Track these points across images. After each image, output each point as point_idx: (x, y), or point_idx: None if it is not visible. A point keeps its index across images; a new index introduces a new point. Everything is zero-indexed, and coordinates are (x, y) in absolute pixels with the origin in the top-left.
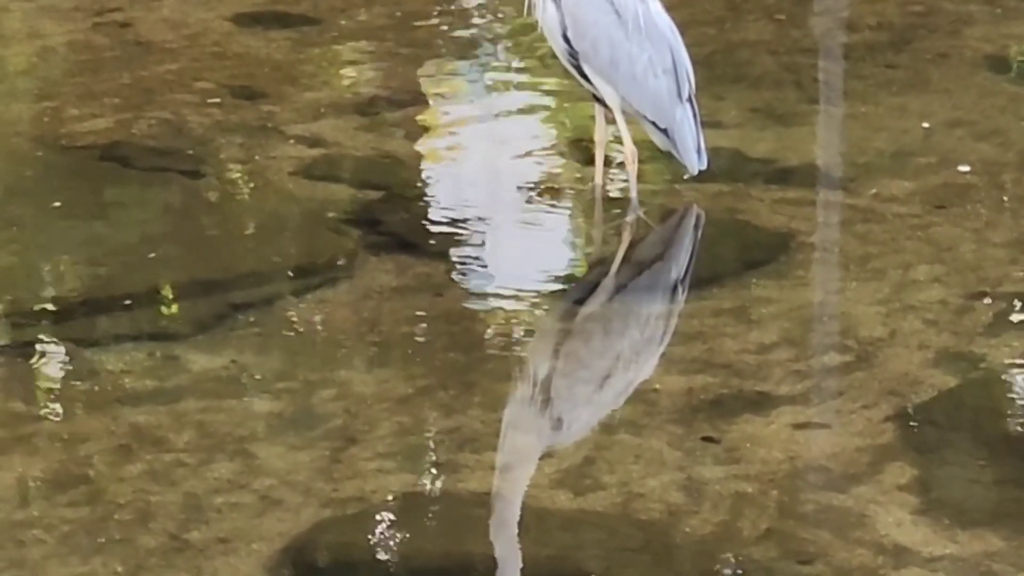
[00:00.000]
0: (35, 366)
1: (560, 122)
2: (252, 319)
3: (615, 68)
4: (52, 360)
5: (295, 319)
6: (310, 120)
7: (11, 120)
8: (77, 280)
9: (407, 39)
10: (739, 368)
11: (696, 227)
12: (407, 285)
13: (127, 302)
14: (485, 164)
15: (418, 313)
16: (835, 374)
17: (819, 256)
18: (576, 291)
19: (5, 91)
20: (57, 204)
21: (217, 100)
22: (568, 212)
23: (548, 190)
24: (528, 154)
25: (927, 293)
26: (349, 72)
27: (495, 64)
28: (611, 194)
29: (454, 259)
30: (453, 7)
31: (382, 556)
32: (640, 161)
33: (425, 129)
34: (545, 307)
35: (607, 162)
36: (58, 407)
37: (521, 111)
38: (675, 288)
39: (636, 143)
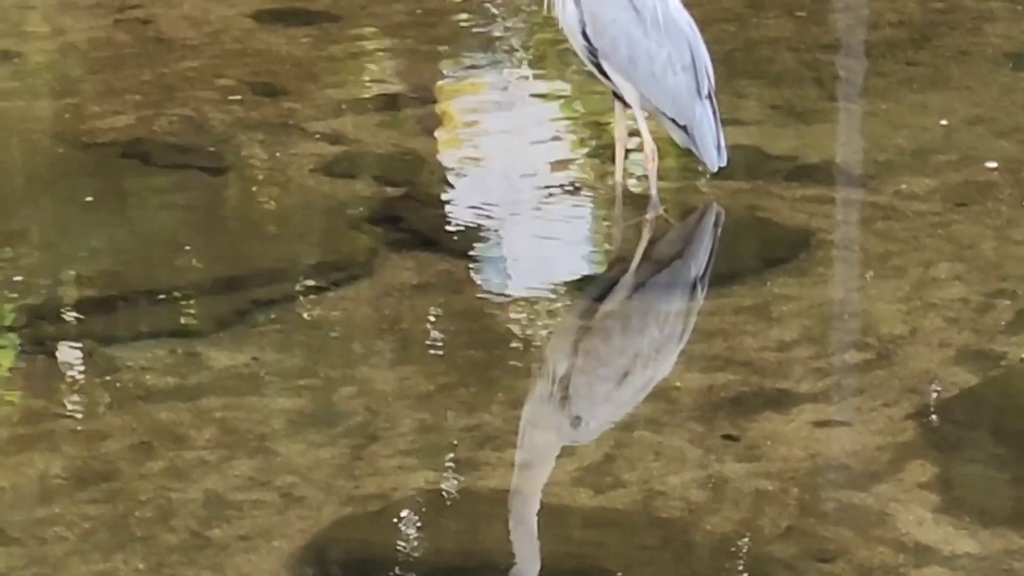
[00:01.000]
0: (56, 363)
1: (580, 119)
2: (273, 316)
3: (634, 65)
4: (73, 357)
5: (316, 316)
6: (331, 117)
7: (33, 117)
8: (98, 277)
9: (428, 36)
10: (759, 366)
11: (716, 224)
12: (428, 282)
13: (148, 299)
14: (506, 161)
15: (439, 310)
16: (856, 372)
17: (839, 254)
18: (596, 288)
19: (27, 88)
20: (89, 199)
21: (238, 97)
22: (588, 209)
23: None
24: (549, 151)
25: (948, 291)
26: (370, 69)
27: (516, 60)
28: (631, 191)
29: (475, 256)
30: (474, 4)
31: (403, 553)
32: (660, 158)
33: (446, 126)
34: (565, 304)
35: (627, 159)
36: (79, 404)
37: (542, 108)
38: (695, 285)
39: (656, 140)
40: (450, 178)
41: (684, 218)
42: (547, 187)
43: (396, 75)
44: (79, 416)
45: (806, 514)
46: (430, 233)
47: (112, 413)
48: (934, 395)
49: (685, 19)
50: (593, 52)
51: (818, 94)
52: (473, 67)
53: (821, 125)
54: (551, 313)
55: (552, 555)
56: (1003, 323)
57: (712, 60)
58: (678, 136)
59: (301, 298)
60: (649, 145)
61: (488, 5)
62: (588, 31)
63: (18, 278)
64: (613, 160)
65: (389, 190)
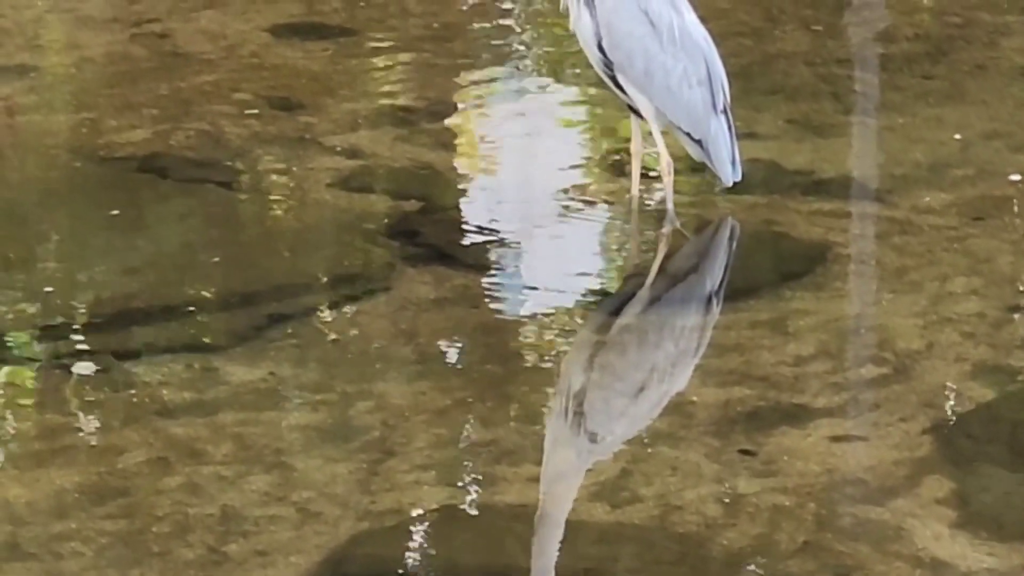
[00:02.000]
0: (73, 378)
1: (597, 133)
2: (290, 331)
3: (650, 79)
4: (90, 372)
5: (333, 331)
6: (347, 131)
7: (50, 131)
8: (115, 291)
9: (444, 50)
10: (776, 380)
11: (732, 239)
12: (445, 297)
13: (165, 314)
14: (522, 175)
15: (455, 325)
16: (872, 387)
17: (856, 268)
18: (611, 302)
19: (44, 102)
20: (106, 214)
21: (255, 111)
22: (604, 223)
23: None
24: (565, 165)
25: (964, 305)
26: (386, 83)
27: (532, 74)
28: (647, 205)
29: (491, 271)
30: (491, 17)
31: (420, 569)
32: (676, 172)
33: (462, 140)
34: (581, 319)
35: (643, 173)
36: (96, 419)
37: (558, 122)
38: (711, 300)
39: (672, 154)
40: (467, 192)
41: (700, 232)
42: (563, 201)
43: (412, 89)
44: (96, 431)
45: (823, 529)
46: (447, 247)
47: (129, 428)
48: (951, 410)
49: (701, 33)
50: (609, 65)
51: (834, 108)
52: (490, 80)
53: (837, 139)
54: (567, 327)
55: (569, 570)
56: (1020, 338)
57: (728, 74)
58: (693, 150)
59: (318, 313)
60: (665, 159)
61: (505, 19)
62: (604, 44)
63: (35, 292)
64: (629, 174)
65: (406, 204)
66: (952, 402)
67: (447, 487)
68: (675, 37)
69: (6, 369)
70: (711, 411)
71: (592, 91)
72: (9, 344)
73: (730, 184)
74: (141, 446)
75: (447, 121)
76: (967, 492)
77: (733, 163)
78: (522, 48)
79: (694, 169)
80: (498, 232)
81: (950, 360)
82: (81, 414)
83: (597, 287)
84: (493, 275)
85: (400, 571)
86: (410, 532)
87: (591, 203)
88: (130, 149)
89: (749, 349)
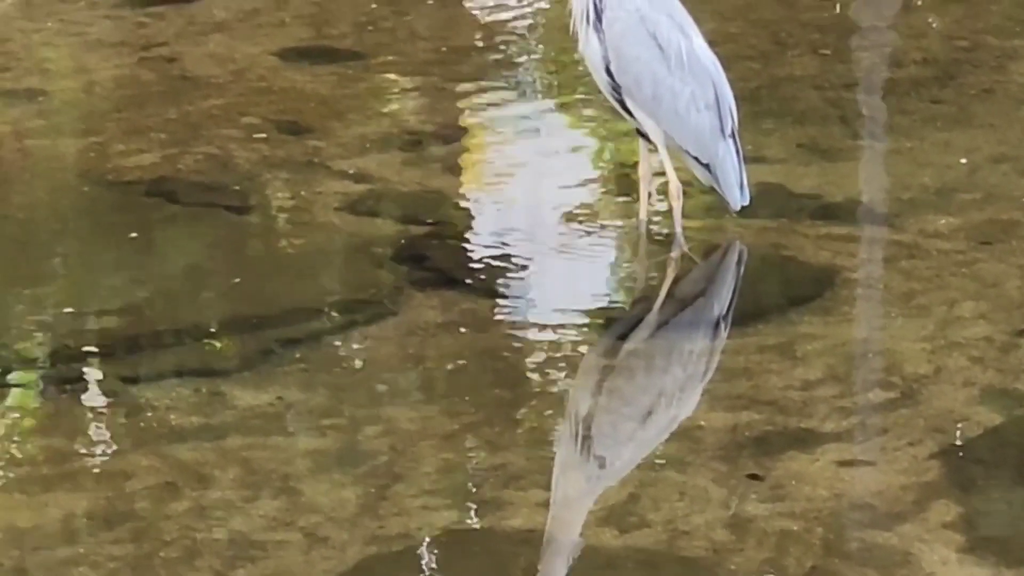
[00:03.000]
0: (80, 402)
1: (605, 156)
2: (298, 355)
3: (658, 103)
4: (97, 396)
5: (341, 355)
6: (356, 155)
7: (58, 155)
8: (123, 315)
9: (452, 74)
10: (784, 405)
11: (740, 263)
12: (452, 321)
13: (173, 338)
14: (530, 199)
15: (463, 349)
16: (880, 411)
17: (864, 292)
18: (619, 327)
19: (52, 126)
20: (114, 237)
21: (263, 135)
22: (612, 247)
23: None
24: (573, 189)
25: (972, 330)
26: (394, 107)
27: (540, 98)
28: (655, 229)
29: (499, 295)
30: (498, 43)
31: None
32: (684, 196)
33: (470, 164)
34: (589, 343)
35: (651, 196)
36: (103, 444)
37: (566, 145)
38: (719, 324)
39: (680, 178)
40: (475, 216)
41: (708, 256)
42: (571, 225)
43: (420, 113)
44: (103, 456)
45: (831, 554)
46: (454, 271)
47: (136, 452)
48: (959, 434)
49: (709, 57)
50: (617, 89)
51: (842, 132)
52: (498, 104)
53: (845, 163)
54: (575, 352)
55: None
56: None
57: (736, 98)
58: (701, 174)
59: (326, 337)
60: (674, 183)
61: (513, 43)
62: (612, 68)
63: (43, 317)
64: (637, 198)
65: (413, 228)
66: (960, 427)
67: (455, 512)
68: (683, 61)
69: (15, 393)
70: (719, 436)
71: (600, 114)
72: (17, 368)
73: (738, 208)
74: (149, 470)
75: (455, 145)
76: (975, 517)
77: (741, 187)
78: (530, 72)
79: (702, 193)
80: (506, 256)
81: (958, 385)
82: (89, 438)
83: (605, 311)
84: (501, 299)
85: None
86: (418, 557)
87: (599, 227)
88: (138, 173)
89: (757, 373)
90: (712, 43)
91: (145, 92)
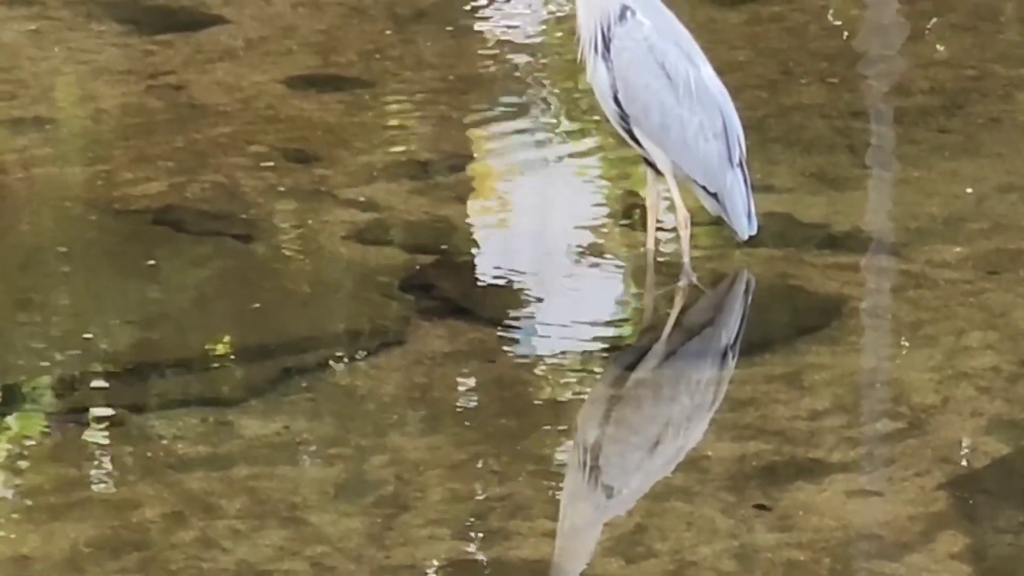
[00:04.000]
0: (87, 431)
1: (612, 185)
2: (305, 384)
3: (666, 132)
4: (104, 425)
5: (347, 384)
6: (363, 184)
7: (65, 183)
8: (129, 345)
9: (460, 102)
10: (791, 435)
11: (747, 292)
12: (460, 351)
13: (179, 367)
14: (538, 228)
15: (470, 379)
16: (887, 441)
17: (871, 322)
18: (627, 356)
19: (59, 154)
20: (121, 266)
21: (271, 163)
22: (620, 277)
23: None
24: (581, 218)
25: (980, 360)
26: (402, 135)
27: (548, 126)
28: (663, 258)
29: (506, 324)
30: (505, 71)
31: None
32: (692, 225)
33: (478, 193)
34: (596, 373)
35: (659, 226)
36: (110, 473)
37: (574, 174)
38: (726, 354)
39: (688, 207)
40: (482, 245)
41: (715, 286)
42: (579, 254)
43: (428, 142)
44: (110, 485)
45: None
46: (462, 301)
47: (143, 482)
48: (966, 465)
49: (717, 86)
50: (625, 118)
51: (850, 161)
52: (505, 133)
53: (853, 192)
54: (582, 381)
55: None
56: None
57: (744, 126)
58: (709, 203)
59: (333, 366)
60: (682, 212)
61: (521, 71)
62: (620, 97)
63: (50, 345)
64: (645, 227)
65: (421, 257)
66: (967, 457)
67: (461, 542)
68: (691, 90)
69: (21, 421)
70: (726, 466)
71: (608, 143)
72: (25, 396)
73: (746, 237)
74: (156, 500)
75: (463, 173)
76: (982, 547)
77: (749, 216)
78: (538, 100)
79: (710, 222)
80: (513, 286)
81: (965, 415)
82: (96, 467)
83: (613, 341)
84: (508, 329)
85: None
86: None
87: (607, 256)
88: (145, 201)
89: (764, 403)
90: (720, 72)
91: (152, 120)
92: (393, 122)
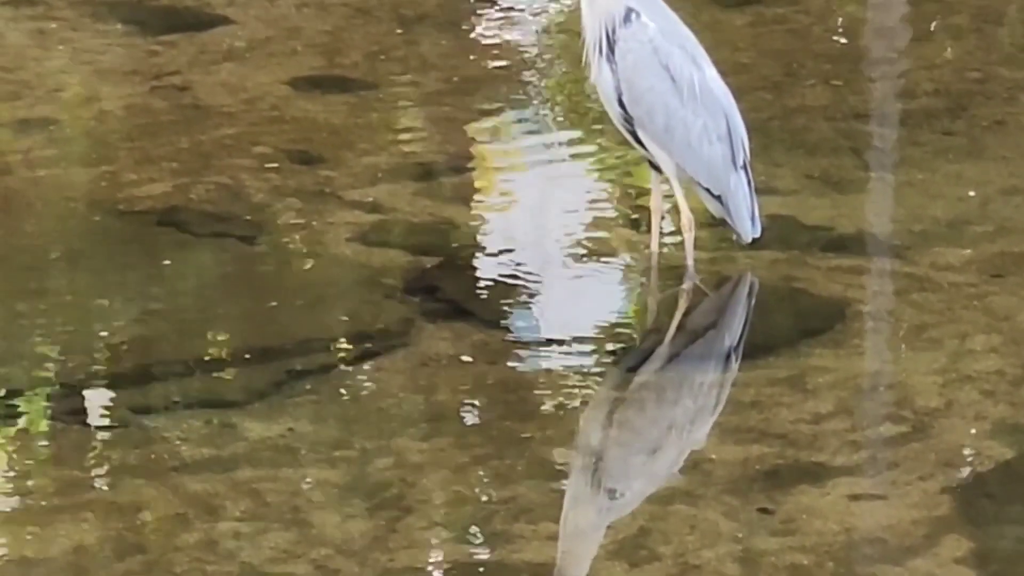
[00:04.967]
0: (90, 433)
1: (616, 188)
2: (308, 387)
3: (670, 135)
4: (107, 426)
5: (351, 387)
6: (367, 185)
7: (69, 184)
8: (133, 346)
9: (464, 103)
10: (794, 438)
11: (751, 295)
12: (463, 353)
13: (183, 369)
14: (542, 230)
15: (474, 381)
16: (891, 445)
17: (875, 325)
18: (631, 359)
19: (63, 155)
20: (125, 267)
21: (275, 165)
22: (624, 279)
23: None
24: (585, 220)
25: (984, 363)
26: (406, 137)
27: (552, 128)
28: (666, 261)
29: (510, 327)
30: (510, 72)
31: None
32: (695, 227)
33: (482, 194)
34: (600, 375)
35: (662, 228)
36: (114, 475)
37: (578, 176)
38: (729, 356)
39: (692, 210)
40: (486, 247)
41: (719, 288)
42: (583, 256)
43: (432, 143)
44: (114, 487)
45: None
46: (466, 303)
47: (147, 484)
48: (970, 469)
49: (721, 88)
50: (629, 120)
51: (854, 163)
52: (509, 134)
53: (857, 195)
54: (586, 384)
55: None
56: None
57: (748, 128)
58: (712, 206)
59: (337, 368)
60: (686, 215)
61: (525, 73)
62: (624, 99)
63: (54, 345)
64: (649, 229)
65: (425, 259)
66: (971, 461)
67: (465, 544)
68: (696, 92)
69: (24, 423)
70: (730, 469)
71: (612, 145)
72: (28, 398)
73: (749, 240)
74: (159, 502)
75: (467, 175)
76: (986, 551)
77: (753, 219)
78: (542, 102)
79: (713, 225)
80: (517, 288)
81: (969, 418)
82: (99, 469)
83: (616, 343)
84: (512, 331)
85: None
86: None
87: (611, 259)
88: (149, 203)
89: (768, 406)
90: (724, 73)
91: (157, 121)
92: (397, 123)
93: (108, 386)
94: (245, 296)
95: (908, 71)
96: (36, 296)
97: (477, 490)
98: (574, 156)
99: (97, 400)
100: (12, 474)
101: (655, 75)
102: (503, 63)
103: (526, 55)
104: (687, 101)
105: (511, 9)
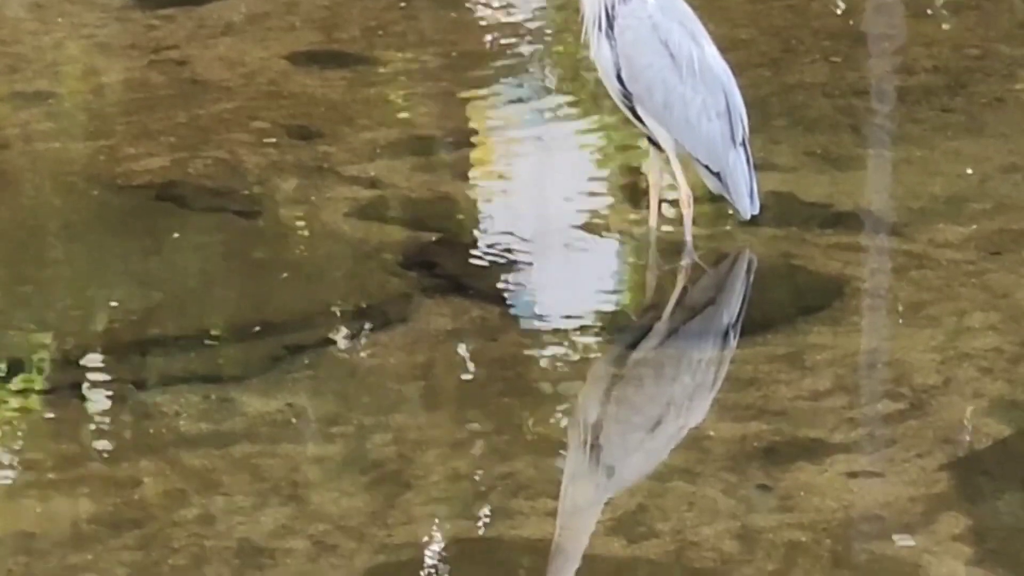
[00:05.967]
0: (88, 408)
1: (615, 164)
2: (307, 362)
3: (669, 111)
4: (105, 402)
5: (350, 362)
6: (366, 160)
7: (67, 159)
8: (131, 320)
9: (462, 79)
10: (793, 415)
11: (749, 272)
12: (462, 328)
13: (181, 343)
14: (540, 206)
15: (472, 357)
16: (889, 422)
17: (873, 302)
18: (629, 335)
19: (61, 129)
20: (123, 242)
21: (273, 140)
22: (622, 255)
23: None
24: (583, 196)
25: (982, 341)
26: (405, 112)
27: (551, 104)
28: (665, 237)
29: (508, 302)
30: (508, 47)
31: None
32: (694, 204)
33: (481, 169)
34: (598, 352)
35: (661, 204)
36: (112, 449)
37: (576, 152)
38: (728, 333)
39: (690, 186)
40: (484, 222)
41: (717, 265)
42: (581, 232)
43: (431, 119)
44: (111, 461)
45: (839, 566)
46: (464, 278)
47: (145, 459)
48: (967, 446)
49: (721, 65)
50: (628, 96)
51: (853, 140)
52: (508, 110)
53: (855, 172)
54: (584, 360)
55: None
56: None
57: (747, 105)
58: (711, 182)
59: (335, 344)
60: (684, 191)
61: (524, 48)
62: (623, 75)
63: (51, 320)
64: (647, 205)
65: (423, 235)
66: (969, 438)
67: (463, 520)
68: (695, 69)
69: (22, 397)
70: (728, 446)
71: (611, 121)
72: (25, 372)
73: (748, 217)
74: (157, 477)
75: (465, 150)
76: (984, 529)
77: (751, 196)
78: (541, 78)
79: (712, 201)
80: (516, 264)
81: (967, 396)
82: (97, 444)
83: (614, 319)
84: (510, 307)
85: None
86: (426, 566)
87: (609, 235)
88: (147, 177)
89: (766, 383)
90: (722, 49)
91: (155, 95)
92: (396, 99)
93: (106, 361)
94: (243, 271)
95: (907, 48)
96: (34, 271)
97: (475, 466)
98: (573, 132)
99: (95, 374)
100: (10, 448)
101: (654, 52)
102: (502, 38)
103: (525, 30)
104: (686, 78)
105: None
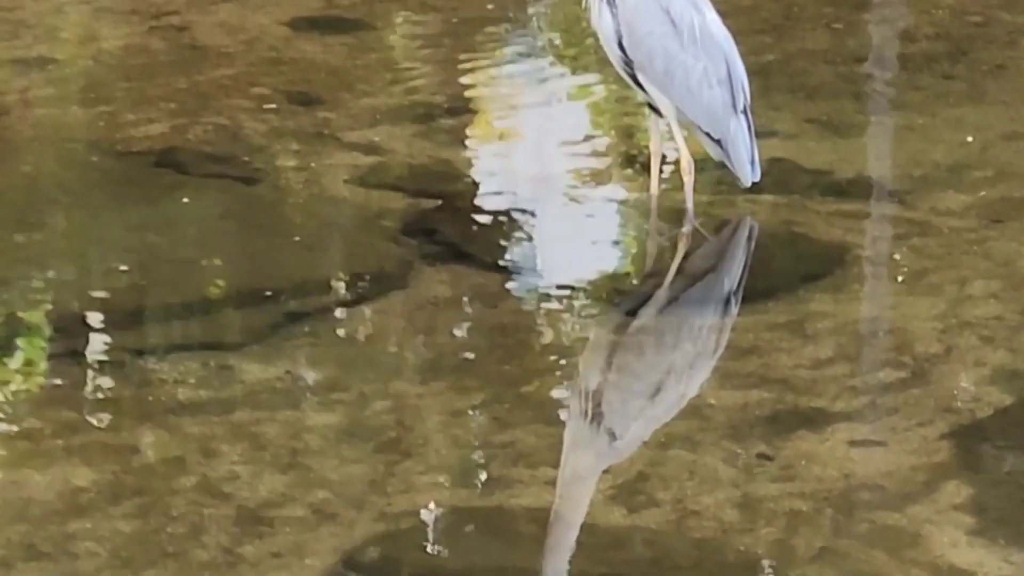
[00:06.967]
0: (87, 375)
1: (617, 131)
2: (306, 329)
3: (670, 79)
4: (105, 369)
5: (349, 329)
6: (366, 127)
7: (67, 124)
8: (131, 288)
9: (464, 46)
10: (794, 383)
11: (750, 239)
12: (462, 295)
13: (181, 310)
14: (541, 173)
15: (472, 324)
16: (890, 391)
17: (874, 270)
18: (629, 302)
19: (61, 95)
20: (122, 208)
21: (273, 106)
22: (623, 222)
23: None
24: (584, 163)
25: (983, 309)
26: (405, 78)
27: (552, 71)
28: (666, 204)
29: (509, 269)
30: (509, 14)
31: (435, 571)
32: (695, 171)
33: (481, 137)
34: (598, 318)
35: (662, 171)
36: (111, 417)
37: (577, 119)
38: (729, 301)
39: (692, 153)
40: (484, 190)
41: (718, 232)
42: (582, 199)
43: (431, 85)
44: (110, 429)
45: (840, 535)
46: (464, 245)
47: (144, 426)
48: (969, 415)
49: (722, 32)
50: (629, 63)
51: (854, 107)
52: (509, 77)
53: (857, 139)
54: (584, 327)
55: (584, 574)
56: None
57: (748, 72)
58: (712, 150)
59: (335, 311)
60: (685, 158)
61: (525, 15)
62: (624, 42)
63: (51, 287)
64: (648, 172)
65: (424, 201)
66: (970, 407)
67: (463, 489)
68: (696, 36)
69: (21, 365)
70: (729, 414)
71: (613, 88)
72: (24, 338)
73: (749, 184)
74: (156, 444)
75: (466, 117)
76: (985, 498)
77: (752, 163)
78: (542, 44)
79: (713, 168)
80: (516, 230)
81: (968, 364)
82: (96, 411)
83: (615, 287)
84: (511, 274)
85: (415, 573)
86: (426, 534)
87: (610, 202)
88: (147, 143)
89: (767, 351)
90: (723, 15)
91: (155, 61)
92: (397, 65)
93: (105, 328)
94: (243, 238)
95: (909, 15)
96: (32, 236)
97: (475, 434)
98: (573, 99)
99: (94, 341)
100: (8, 415)
101: (655, 19)
102: (502, 4)
103: None
104: (687, 45)
105: None
